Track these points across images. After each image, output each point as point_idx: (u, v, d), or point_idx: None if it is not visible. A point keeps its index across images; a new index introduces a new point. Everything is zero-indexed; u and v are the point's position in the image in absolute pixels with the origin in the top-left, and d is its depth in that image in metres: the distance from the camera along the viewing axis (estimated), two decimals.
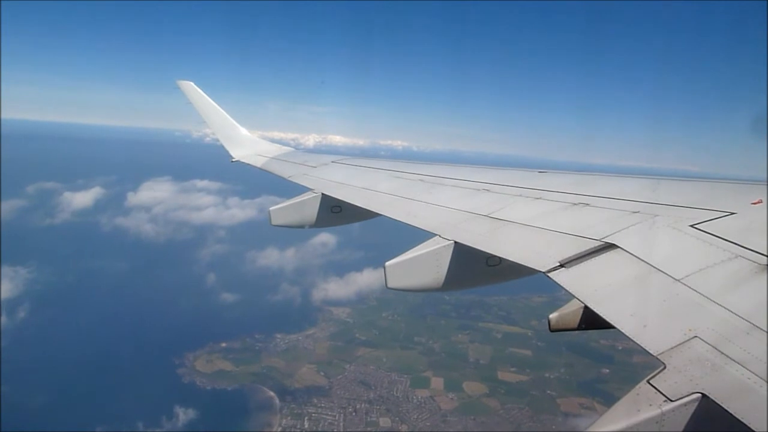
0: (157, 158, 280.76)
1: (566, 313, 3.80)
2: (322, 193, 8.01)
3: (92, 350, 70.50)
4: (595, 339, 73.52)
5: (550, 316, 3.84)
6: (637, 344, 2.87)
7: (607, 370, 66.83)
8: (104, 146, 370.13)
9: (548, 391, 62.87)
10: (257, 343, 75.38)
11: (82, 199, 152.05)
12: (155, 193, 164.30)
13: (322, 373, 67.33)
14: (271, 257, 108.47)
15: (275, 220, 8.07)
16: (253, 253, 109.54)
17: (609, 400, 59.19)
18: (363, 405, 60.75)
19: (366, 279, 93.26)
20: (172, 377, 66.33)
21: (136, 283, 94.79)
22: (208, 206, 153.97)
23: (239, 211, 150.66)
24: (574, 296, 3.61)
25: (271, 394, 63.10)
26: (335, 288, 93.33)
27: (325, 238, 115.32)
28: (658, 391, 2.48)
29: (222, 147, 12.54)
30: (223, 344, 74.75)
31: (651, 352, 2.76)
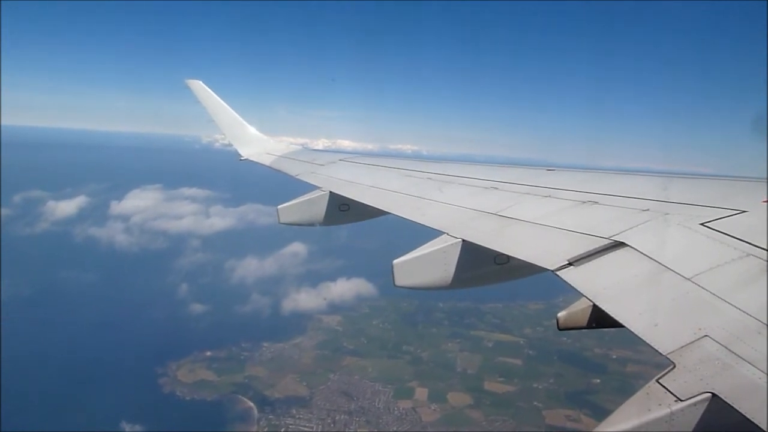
0: (157, 165, 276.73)
1: (575, 312, 3.77)
2: (330, 191, 7.98)
3: (55, 361, 68.94)
4: (589, 348, 71.99)
5: (559, 314, 3.81)
6: (647, 343, 2.83)
7: (598, 381, 65.46)
8: (107, 153, 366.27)
9: (535, 403, 61.52)
10: (243, 352, 74.22)
11: (66, 208, 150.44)
12: (140, 201, 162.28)
13: (305, 383, 66.17)
14: (250, 266, 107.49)
15: (283, 218, 8.05)
16: (233, 262, 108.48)
17: (596, 411, 57.55)
18: (342, 416, 59.59)
19: (356, 286, 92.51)
20: (153, 387, 65.05)
21: (103, 293, 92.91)
22: (188, 215, 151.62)
23: (219, 219, 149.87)
24: (582, 294, 3.56)
25: (251, 404, 61.95)
26: (320, 295, 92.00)
27: (300, 247, 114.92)
28: (668, 390, 2.45)
29: (229, 152, 12.59)
30: (208, 353, 73.63)
31: (660, 351, 2.72)
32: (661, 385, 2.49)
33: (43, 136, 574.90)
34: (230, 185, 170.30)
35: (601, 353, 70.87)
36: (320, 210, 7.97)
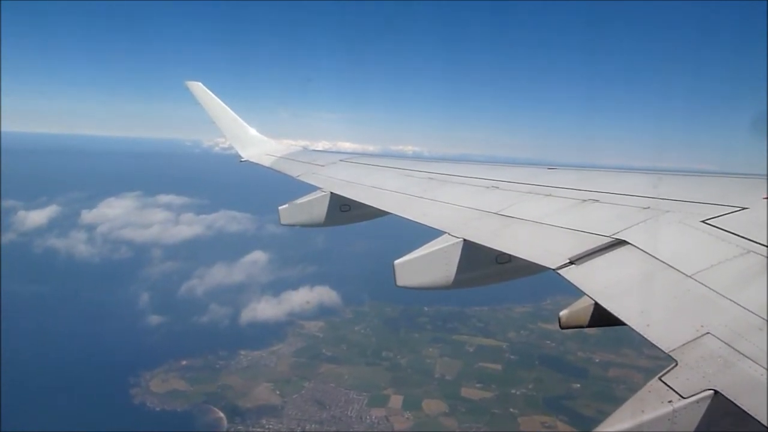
0: (148, 170, 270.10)
1: (576, 311, 3.66)
2: (331, 192, 7.97)
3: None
4: (572, 351, 70.92)
5: (561, 313, 3.70)
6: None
7: (578, 385, 64.52)
8: (102, 159, 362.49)
9: (511, 409, 60.50)
10: (219, 360, 72.55)
11: (37, 218, 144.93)
12: (112, 210, 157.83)
13: (278, 392, 64.82)
14: (219, 273, 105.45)
15: (284, 220, 8.01)
16: (201, 270, 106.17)
17: (573, 418, 56.52)
18: (313, 426, 58.33)
19: (340, 292, 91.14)
20: (124, 398, 63.29)
21: (59, 305, 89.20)
22: (156, 223, 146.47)
23: (186, 228, 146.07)
24: (584, 293, 3.52)
25: (221, 415, 60.41)
26: (300, 301, 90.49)
27: (266, 255, 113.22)
28: (670, 388, 2.45)
29: (227, 156, 12.71)
30: (184, 362, 71.89)
31: (662, 348, 2.71)
32: (664, 382, 2.47)
33: (41, 142, 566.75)
34: (212, 191, 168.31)
35: (584, 357, 69.86)
36: (321, 211, 7.97)
